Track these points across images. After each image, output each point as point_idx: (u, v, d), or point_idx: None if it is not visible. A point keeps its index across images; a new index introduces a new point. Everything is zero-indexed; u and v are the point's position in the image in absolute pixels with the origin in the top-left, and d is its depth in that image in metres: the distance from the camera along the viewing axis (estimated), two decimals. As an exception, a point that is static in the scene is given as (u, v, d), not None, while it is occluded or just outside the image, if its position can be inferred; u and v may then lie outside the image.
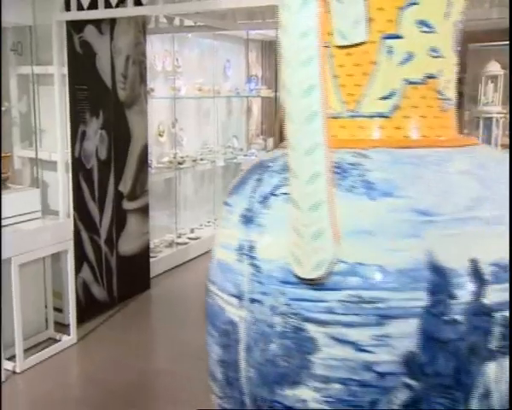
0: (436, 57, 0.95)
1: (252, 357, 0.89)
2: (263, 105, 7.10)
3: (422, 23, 0.93)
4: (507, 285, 0.80)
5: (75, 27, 3.90)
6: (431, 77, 0.95)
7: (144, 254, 4.77)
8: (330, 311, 0.80)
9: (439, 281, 0.77)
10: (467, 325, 0.78)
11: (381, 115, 0.94)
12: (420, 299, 0.77)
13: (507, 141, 7.08)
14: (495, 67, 6.72)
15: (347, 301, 0.79)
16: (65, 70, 3.83)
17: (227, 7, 3.47)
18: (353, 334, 0.79)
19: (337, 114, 0.97)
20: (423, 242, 0.79)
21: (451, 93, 0.99)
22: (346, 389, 0.80)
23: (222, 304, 0.96)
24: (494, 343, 0.79)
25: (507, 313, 0.79)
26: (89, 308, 4.06)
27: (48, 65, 3.93)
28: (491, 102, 6.70)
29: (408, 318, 0.77)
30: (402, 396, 0.78)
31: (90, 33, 4.06)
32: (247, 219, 0.92)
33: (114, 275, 4.34)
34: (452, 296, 0.77)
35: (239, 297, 0.91)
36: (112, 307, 4.22)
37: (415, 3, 0.91)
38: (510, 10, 3.11)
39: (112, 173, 4.30)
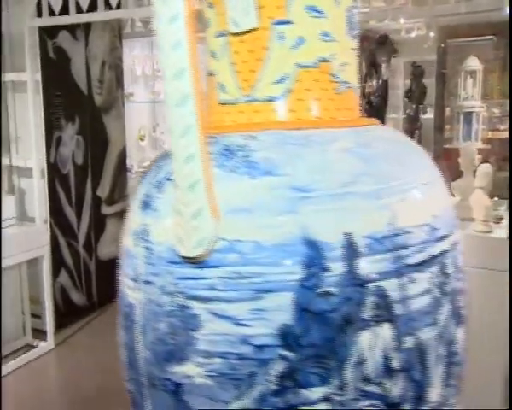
0: (328, 41, 0.97)
1: (146, 337, 0.91)
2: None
3: (312, 8, 0.95)
4: (380, 256, 0.82)
5: (48, 33, 3.93)
6: (323, 60, 0.97)
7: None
8: (211, 288, 0.82)
9: (313, 255, 0.80)
10: (340, 297, 0.80)
11: (275, 99, 0.96)
12: (294, 273, 0.80)
13: (486, 135, 7.12)
14: (474, 62, 6.76)
15: (227, 278, 0.81)
16: (38, 76, 3.86)
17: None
18: (232, 309, 0.81)
19: (235, 100, 1.00)
20: (298, 217, 0.81)
21: (349, 76, 1.02)
22: (227, 362, 0.82)
23: (124, 288, 0.98)
24: (367, 313, 0.81)
25: (380, 283, 0.82)
26: (68, 314, 4.08)
27: (22, 72, 3.96)
28: (470, 96, 6.73)
29: (282, 291, 0.80)
30: (278, 368, 0.80)
31: (63, 39, 4.09)
32: (145, 205, 0.95)
33: (93, 280, 4.36)
34: (326, 269, 0.80)
35: (135, 280, 0.94)
36: (91, 313, 4.24)
37: (302, -11, 0.94)
38: (510, 10, 3.15)
39: (89, 178, 4.32)
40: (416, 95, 3.03)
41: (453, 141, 7.12)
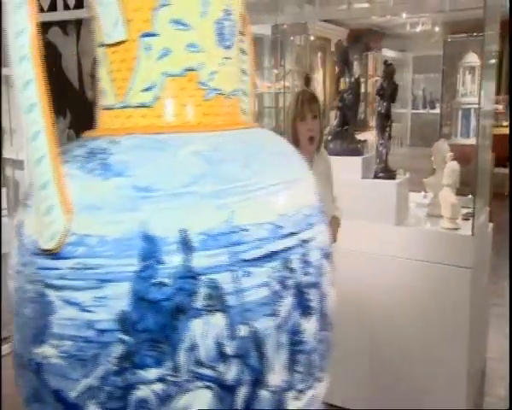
0: (195, 52, 1.05)
1: (17, 321, 1.01)
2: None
3: (177, 22, 1.03)
4: (215, 251, 0.90)
5: (39, 29, 4.03)
6: (190, 69, 1.05)
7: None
8: (63, 277, 0.91)
9: (149, 248, 0.88)
10: (173, 287, 0.88)
11: (144, 105, 1.05)
12: (132, 265, 0.88)
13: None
14: (473, 58, 6.76)
15: (75, 268, 0.90)
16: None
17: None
18: (79, 296, 0.90)
19: (111, 106, 1.09)
20: (139, 214, 0.89)
21: (219, 84, 1.09)
22: (75, 345, 0.91)
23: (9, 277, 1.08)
24: (200, 303, 0.89)
25: (213, 276, 0.90)
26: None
27: (14, 67, 4.07)
28: (469, 92, 6.74)
29: (121, 281, 0.88)
30: (118, 350, 0.89)
31: (54, 34, 4.20)
32: (23, 203, 1.05)
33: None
34: (160, 262, 0.88)
35: (13, 269, 1.03)
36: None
37: (166, 4, 1.02)
38: (510, 10, 3.19)
39: (79, 171, 4.42)
40: (387, 93, 3.07)
41: (451, 137, 7.15)
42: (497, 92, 9.96)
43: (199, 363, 0.90)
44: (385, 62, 3.17)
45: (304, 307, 1.01)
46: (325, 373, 1.11)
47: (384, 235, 3.00)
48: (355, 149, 3.19)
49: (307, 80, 3.42)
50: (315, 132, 2.41)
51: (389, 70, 3.16)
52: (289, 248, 0.98)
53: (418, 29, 9.10)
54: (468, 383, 2.85)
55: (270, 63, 7.41)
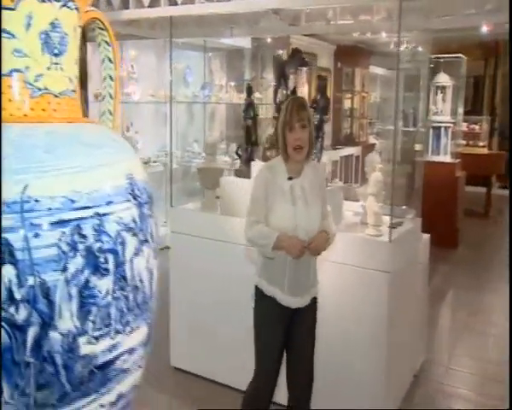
0: (20, 57, 1.29)
1: None
2: (227, 111, 7.45)
3: (4, 31, 1.27)
4: (9, 216, 1.13)
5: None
6: (17, 71, 1.29)
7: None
8: None
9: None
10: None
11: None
12: None
13: (455, 149, 7.30)
14: (443, 78, 6.97)
15: None
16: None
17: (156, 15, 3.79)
18: None
19: None
20: None
21: (47, 84, 1.33)
22: None
23: None
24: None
25: (6, 235, 1.13)
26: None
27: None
28: (440, 111, 6.94)
29: None
30: None
31: None
32: None
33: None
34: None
35: None
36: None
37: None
38: (510, 11, 3.34)
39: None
40: (320, 106, 3.29)
41: (423, 154, 7.35)
42: (475, 113, 10.21)
43: (-7, 305, 1.13)
44: (319, 77, 3.39)
45: (95, 268, 1.23)
46: (131, 327, 1.33)
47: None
48: None
49: (249, 90, 3.63)
50: (302, 142, 2.30)
51: (322, 85, 3.38)
52: (82, 219, 1.21)
53: (402, 48, 9.33)
54: (389, 384, 3.00)
55: (251, 75, 7.65)
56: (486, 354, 4.02)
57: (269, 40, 6.50)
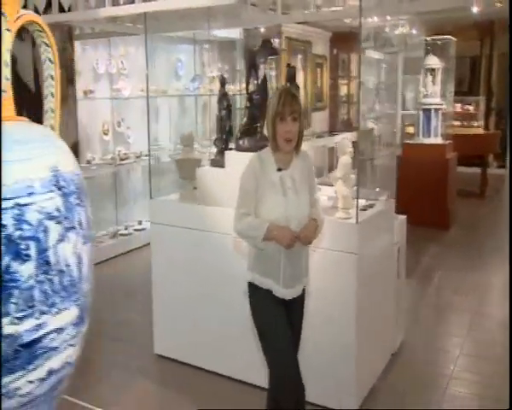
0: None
1: None
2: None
3: None
4: None
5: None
6: None
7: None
8: None
9: None
10: None
11: None
12: None
13: (447, 131, 7.31)
14: (433, 61, 6.99)
15: None
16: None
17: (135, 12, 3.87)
18: None
19: None
20: None
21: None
22: None
23: None
24: None
25: None
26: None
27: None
28: (430, 94, 6.96)
29: None
30: None
31: (10, 42, 4.54)
32: None
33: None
34: None
35: None
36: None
37: None
38: (510, 10, 3.39)
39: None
40: None
41: (415, 137, 7.38)
42: (472, 93, 10.19)
43: None
44: (288, 65, 3.44)
45: (16, 254, 1.33)
46: (58, 308, 1.43)
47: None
48: (262, 146, 3.44)
49: (223, 81, 3.69)
50: (293, 134, 2.29)
51: (290, 72, 3.43)
52: (2, 209, 1.30)
53: (397, 31, 9.32)
54: (362, 365, 3.07)
55: (242, 66, 7.69)
56: (470, 333, 4.07)
57: (262, 30, 6.54)
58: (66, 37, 5.07)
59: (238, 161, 3.44)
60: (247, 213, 2.31)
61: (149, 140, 3.94)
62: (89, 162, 5.82)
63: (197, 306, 3.48)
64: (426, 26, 9.73)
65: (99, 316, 3.10)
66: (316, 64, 9.98)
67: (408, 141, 7.24)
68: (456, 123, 8.32)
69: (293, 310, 2.43)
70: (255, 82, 3.50)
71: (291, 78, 3.44)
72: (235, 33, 7.17)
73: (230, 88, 6.91)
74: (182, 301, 3.54)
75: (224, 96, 3.66)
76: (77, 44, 5.84)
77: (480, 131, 8.75)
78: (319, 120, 10.23)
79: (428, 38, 7.38)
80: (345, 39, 10.36)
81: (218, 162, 3.61)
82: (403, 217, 3.90)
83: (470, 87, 10.25)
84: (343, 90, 10.78)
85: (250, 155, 3.38)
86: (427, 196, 6.64)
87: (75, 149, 5.24)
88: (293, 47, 9.32)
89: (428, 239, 6.16)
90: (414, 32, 9.70)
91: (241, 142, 3.49)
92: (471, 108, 9.03)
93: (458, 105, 8.55)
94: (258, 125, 3.49)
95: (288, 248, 2.29)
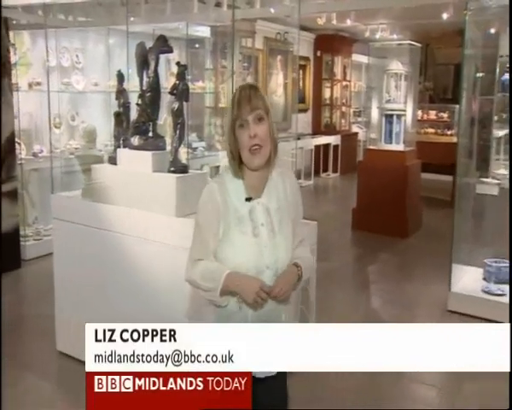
0: None
1: None
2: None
3: None
4: None
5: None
6: None
7: (13, 235, 5.25)
8: None
9: None
10: None
11: None
12: None
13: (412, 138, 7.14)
14: (396, 66, 6.84)
15: None
16: None
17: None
18: None
19: None
20: None
21: None
22: None
23: None
24: None
25: None
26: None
27: None
28: (392, 99, 6.83)
29: None
30: None
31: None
32: None
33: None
34: None
35: None
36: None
37: None
38: (510, 10, 3.32)
39: (-23, 160, 4.76)
40: (179, 92, 3.27)
41: (377, 142, 7.23)
42: (454, 101, 9.95)
43: None
44: (178, 64, 3.36)
45: None
46: None
47: (165, 225, 3.10)
48: (152, 144, 3.36)
49: (120, 78, 3.62)
50: (260, 139, 1.67)
51: (181, 71, 3.34)
52: None
53: (377, 35, 9.19)
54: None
55: (213, 64, 7.61)
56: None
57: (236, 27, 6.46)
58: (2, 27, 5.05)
59: (130, 158, 3.40)
60: (201, 259, 1.74)
61: (50, 132, 3.89)
62: (34, 155, 5.80)
63: (96, 301, 3.37)
64: (410, 32, 9.57)
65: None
66: (299, 66, 9.86)
67: (370, 147, 7.11)
68: (431, 130, 8.14)
69: (268, 391, 1.73)
70: (147, 79, 3.43)
71: (182, 76, 3.35)
72: (205, 31, 7.11)
73: (199, 86, 6.87)
74: (83, 296, 3.46)
75: (120, 92, 3.60)
76: (26, 35, 5.86)
77: (453, 139, 8.54)
78: (301, 121, 10.14)
79: (386, 43, 7.25)
80: (330, 41, 10.27)
81: (113, 160, 3.56)
82: (314, 223, 3.66)
83: (454, 94, 10.03)
84: (327, 93, 10.63)
85: (142, 153, 3.34)
86: (386, 203, 6.51)
87: (12, 139, 5.24)
88: (272, 47, 9.22)
89: (380, 248, 6.03)
90: (395, 36, 9.57)
91: (132, 139, 3.42)
92: (445, 115, 8.81)
93: (433, 112, 8.36)
94: (150, 123, 3.43)
95: (256, 309, 1.67)
